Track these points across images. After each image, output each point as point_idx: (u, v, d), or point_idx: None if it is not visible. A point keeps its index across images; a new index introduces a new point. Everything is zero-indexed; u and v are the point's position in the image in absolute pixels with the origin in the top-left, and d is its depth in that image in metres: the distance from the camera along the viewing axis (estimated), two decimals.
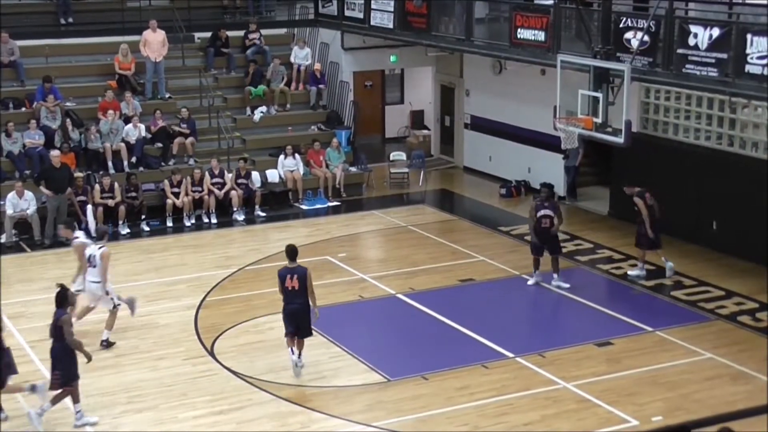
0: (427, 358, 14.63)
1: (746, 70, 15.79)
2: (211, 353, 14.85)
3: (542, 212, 17.25)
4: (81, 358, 12.66)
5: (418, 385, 13.76)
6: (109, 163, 21.63)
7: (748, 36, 15.70)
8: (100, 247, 15.03)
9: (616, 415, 12.90)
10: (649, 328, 15.65)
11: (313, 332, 14.26)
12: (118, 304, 15.21)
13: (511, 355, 14.72)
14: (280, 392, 13.56)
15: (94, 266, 14.88)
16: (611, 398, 13.30)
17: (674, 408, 13.04)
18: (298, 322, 13.94)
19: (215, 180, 21.63)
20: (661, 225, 17.71)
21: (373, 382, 13.90)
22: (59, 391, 12.58)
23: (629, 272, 18.09)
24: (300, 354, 14.14)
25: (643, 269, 17.96)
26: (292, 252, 13.96)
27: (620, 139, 17.07)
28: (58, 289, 12.74)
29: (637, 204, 17.58)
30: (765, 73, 15.43)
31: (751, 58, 15.68)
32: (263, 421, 12.80)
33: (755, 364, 14.23)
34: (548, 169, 22.96)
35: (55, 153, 20.45)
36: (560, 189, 22.87)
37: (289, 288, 13.76)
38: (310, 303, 13.90)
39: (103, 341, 14.97)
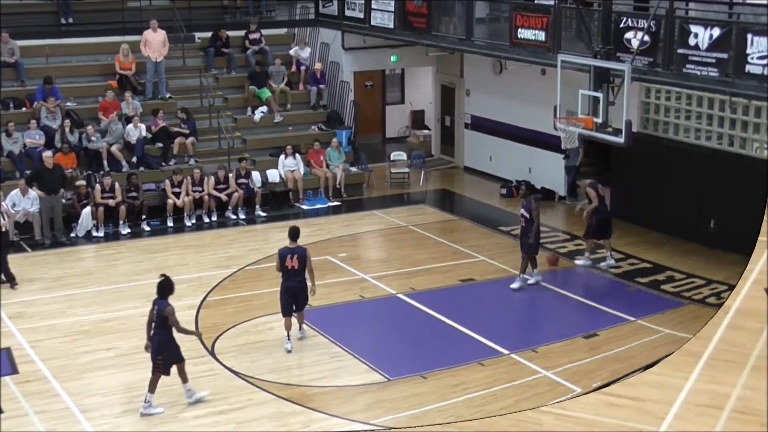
0: (427, 358, 14.63)
1: (746, 70, 15.80)
2: (212, 353, 14.83)
3: (520, 211, 17.56)
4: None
5: (417, 384, 13.76)
6: (104, 162, 21.63)
7: (749, 36, 15.71)
8: None
9: (568, 387, 13.52)
10: (632, 318, 16.06)
11: (314, 330, 14.30)
12: None
13: (506, 352, 14.82)
14: (281, 392, 13.56)
15: None
16: (574, 377, 13.86)
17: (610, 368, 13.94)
18: (295, 298, 14.63)
19: (220, 186, 21.65)
20: (613, 215, 18.57)
21: (374, 382, 13.91)
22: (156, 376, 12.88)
23: (576, 261, 18.67)
24: (301, 326, 14.88)
25: (588, 259, 18.56)
26: (294, 233, 14.70)
27: (620, 139, 17.10)
28: (161, 278, 12.83)
29: (589, 194, 18.09)
30: (765, 73, 15.44)
31: (752, 58, 15.68)
32: (264, 421, 12.80)
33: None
34: (548, 169, 22.97)
35: (47, 154, 20.43)
36: (561, 189, 22.89)
37: (289, 267, 14.48)
38: (308, 281, 14.67)
39: None
